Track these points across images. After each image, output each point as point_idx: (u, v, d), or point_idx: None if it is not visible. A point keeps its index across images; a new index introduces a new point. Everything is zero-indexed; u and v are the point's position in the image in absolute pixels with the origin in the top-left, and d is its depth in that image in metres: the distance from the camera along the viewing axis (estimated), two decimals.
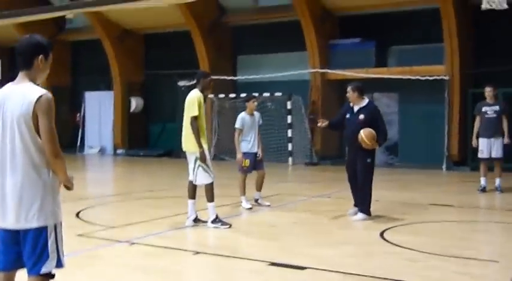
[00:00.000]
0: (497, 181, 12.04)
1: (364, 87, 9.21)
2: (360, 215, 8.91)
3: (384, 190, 12.40)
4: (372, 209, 9.05)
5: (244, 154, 10.01)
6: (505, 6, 9.69)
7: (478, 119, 12.22)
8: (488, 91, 12.18)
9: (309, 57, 19.30)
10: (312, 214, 9.63)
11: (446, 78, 17.20)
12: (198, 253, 6.88)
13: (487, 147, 11.97)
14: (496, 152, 11.94)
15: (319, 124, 9.35)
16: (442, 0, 16.70)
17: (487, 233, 8.61)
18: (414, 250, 6.91)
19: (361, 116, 8.88)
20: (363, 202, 8.97)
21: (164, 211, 9.70)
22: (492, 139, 11.93)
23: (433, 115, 17.97)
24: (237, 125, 10.09)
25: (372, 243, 7.45)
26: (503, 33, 16.97)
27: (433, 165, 17.25)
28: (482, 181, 12.09)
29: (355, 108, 9.03)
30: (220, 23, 21.34)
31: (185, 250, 7.14)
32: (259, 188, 10.31)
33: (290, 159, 19.00)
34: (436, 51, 17.55)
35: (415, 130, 18.57)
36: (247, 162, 10.00)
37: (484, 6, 9.80)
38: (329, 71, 18.91)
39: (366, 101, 9.07)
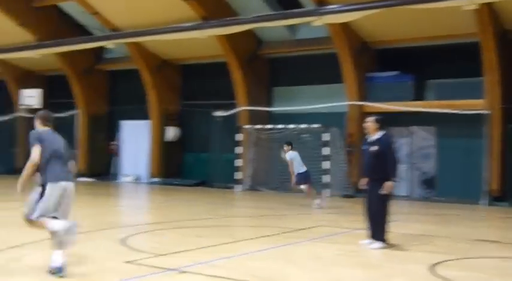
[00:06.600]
0: None
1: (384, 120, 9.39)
2: (376, 244, 9.11)
3: (428, 224, 12.22)
4: (417, 243, 8.98)
5: None
6: None
7: None
8: None
9: (346, 90, 19.32)
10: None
11: (486, 112, 17.06)
12: None
13: None
14: None
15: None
16: (482, 34, 16.67)
17: None
18: None
19: (374, 148, 9.05)
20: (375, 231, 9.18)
21: (208, 240, 9.69)
22: None
23: (471, 149, 17.80)
24: None
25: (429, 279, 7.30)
26: None
27: (469, 200, 17.04)
28: None
29: (369, 140, 9.26)
30: (257, 55, 21.54)
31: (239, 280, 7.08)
32: None
33: (328, 191, 18.87)
34: (475, 85, 17.47)
35: (452, 164, 18.38)
36: None
37: None
38: (367, 103, 18.89)
39: (381, 133, 9.20)
